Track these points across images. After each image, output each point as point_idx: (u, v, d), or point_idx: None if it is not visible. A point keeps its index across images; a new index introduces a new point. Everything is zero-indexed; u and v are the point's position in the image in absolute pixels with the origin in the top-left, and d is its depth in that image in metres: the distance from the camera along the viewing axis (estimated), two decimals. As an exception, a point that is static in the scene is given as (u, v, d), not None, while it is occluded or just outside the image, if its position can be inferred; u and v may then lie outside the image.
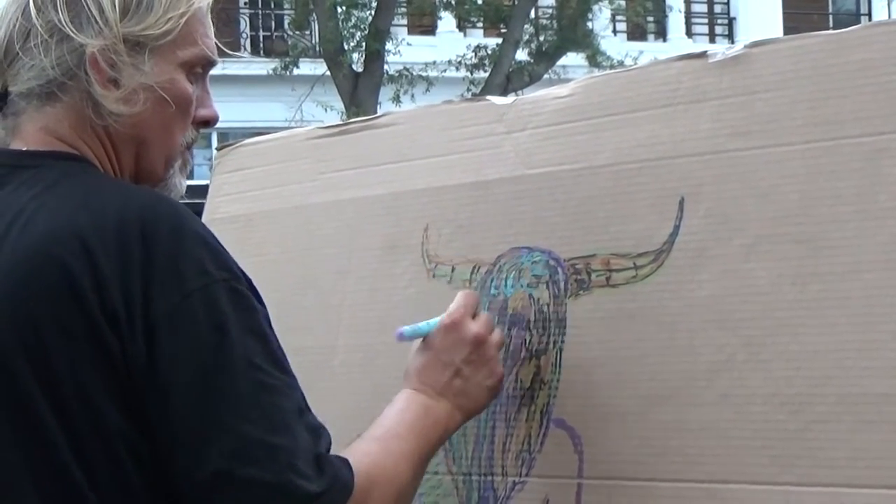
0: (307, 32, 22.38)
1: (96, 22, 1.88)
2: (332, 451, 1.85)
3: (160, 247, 1.77)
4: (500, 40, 20.72)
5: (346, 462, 1.84)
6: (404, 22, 23.42)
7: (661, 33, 27.35)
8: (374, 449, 1.92)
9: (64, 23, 1.87)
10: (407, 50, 20.41)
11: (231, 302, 1.79)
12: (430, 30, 24.91)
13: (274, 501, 1.75)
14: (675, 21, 26.82)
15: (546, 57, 20.45)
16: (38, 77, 1.89)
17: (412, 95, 19.38)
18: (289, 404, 1.80)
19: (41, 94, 1.90)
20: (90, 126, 1.91)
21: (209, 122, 2.02)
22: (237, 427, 1.75)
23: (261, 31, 25.26)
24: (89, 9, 1.88)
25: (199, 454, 1.74)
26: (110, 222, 1.78)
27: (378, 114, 2.71)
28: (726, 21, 27.84)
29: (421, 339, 2.12)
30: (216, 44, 2.01)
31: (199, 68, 1.97)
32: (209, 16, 1.99)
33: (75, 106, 1.90)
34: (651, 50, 21.60)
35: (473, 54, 20.86)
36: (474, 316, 2.12)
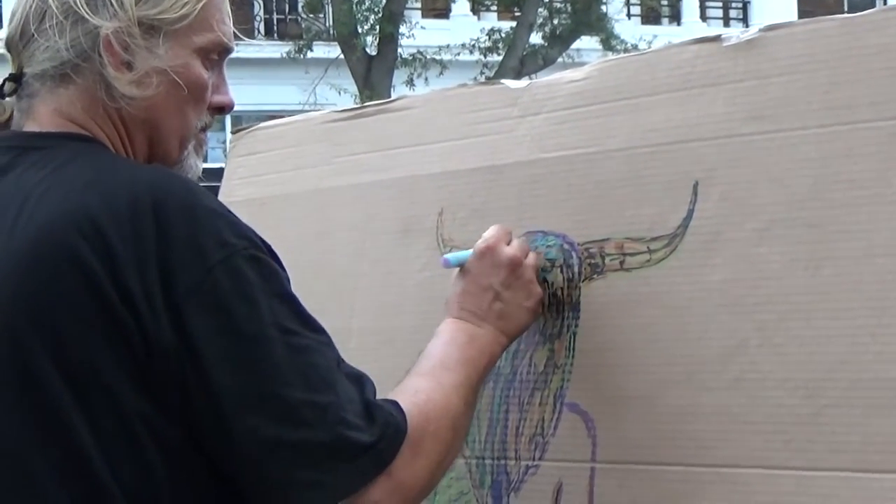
0: (321, 15, 22.38)
1: (112, 4, 1.89)
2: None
3: (175, 224, 1.77)
4: (514, 24, 20.70)
5: (395, 405, 1.86)
6: (418, 5, 23.42)
7: (676, 17, 27.29)
8: (423, 385, 1.94)
9: (79, 5, 1.89)
10: (421, 33, 20.39)
11: (254, 270, 1.80)
12: (443, 13, 24.88)
13: (329, 459, 1.77)
14: (690, 5, 26.77)
15: (560, 40, 20.41)
16: (53, 59, 1.90)
17: (426, 79, 19.38)
18: (326, 361, 1.82)
19: (55, 76, 1.91)
20: (103, 108, 1.92)
21: (224, 108, 2.03)
22: (280, 393, 1.76)
23: (275, 13, 25.25)
24: None
25: (245, 425, 1.76)
26: (121, 202, 1.78)
27: (392, 97, 2.71)
28: (741, 5, 27.78)
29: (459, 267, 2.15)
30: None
31: (214, 55, 1.98)
32: (227, 2, 2.00)
33: (88, 88, 1.91)
34: (665, 34, 21.55)
35: (487, 38, 20.84)
36: (509, 243, 2.15)
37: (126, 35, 1.89)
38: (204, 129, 2.02)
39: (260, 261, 1.82)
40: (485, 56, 20.57)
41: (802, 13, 24.58)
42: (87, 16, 1.88)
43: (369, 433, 1.79)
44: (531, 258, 2.16)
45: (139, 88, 1.90)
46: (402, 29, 19.72)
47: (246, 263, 1.79)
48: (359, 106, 2.71)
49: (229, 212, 1.84)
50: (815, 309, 1.94)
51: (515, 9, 21.20)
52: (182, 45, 1.93)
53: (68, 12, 1.89)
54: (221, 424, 1.76)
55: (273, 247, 1.90)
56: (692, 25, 25.33)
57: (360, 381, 1.85)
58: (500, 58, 20.10)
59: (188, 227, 1.77)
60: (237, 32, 2.04)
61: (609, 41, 20.36)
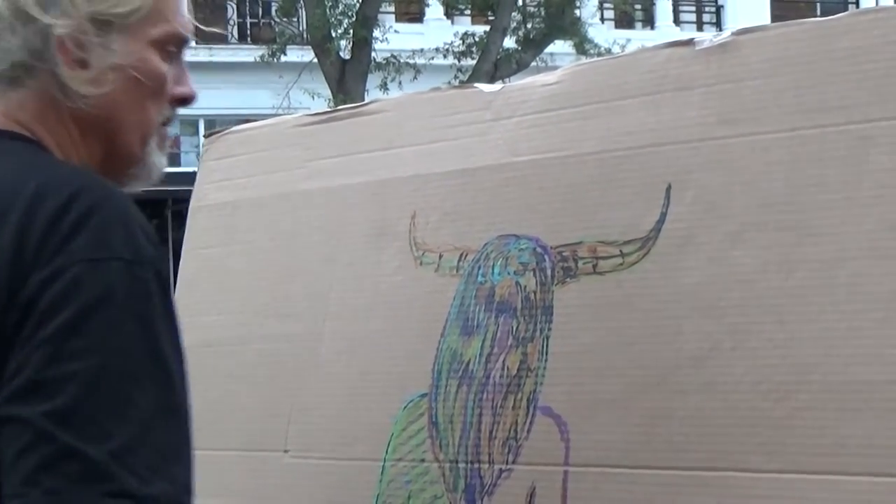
0: (294, 19, 22.33)
1: (61, 2, 1.83)
2: (316, 438, 1.77)
3: (68, 217, 1.68)
4: (487, 28, 20.70)
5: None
6: (392, 9, 23.39)
7: (649, 21, 27.34)
8: None
9: (29, 4, 1.83)
10: (394, 37, 20.38)
11: (124, 282, 1.66)
12: (417, 17, 24.88)
13: (82, 478, 1.60)
14: (663, 9, 26.81)
15: (533, 44, 20.42)
16: (4, 60, 1.86)
17: (399, 83, 19.36)
18: (146, 400, 1.65)
19: (6, 79, 1.87)
20: (55, 111, 1.86)
21: (186, 99, 1.95)
22: (65, 390, 1.62)
23: (248, 17, 25.20)
24: None
25: (23, 409, 1.61)
26: (26, 195, 1.71)
27: (366, 101, 2.71)
28: (714, 9, 27.84)
29: None
30: (200, 27, 1.98)
31: (172, 46, 1.92)
32: None
33: (41, 90, 1.86)
34: (639, 38, 21.58)
35: (461, 42, 20.84)
36: None
37: (79, 32, 1.83)
38: (165, 124, 1.97)
39: (137, 278, 1.68)
40: (458, 60, 20.56)
41: (775, 17, 24.65)
42: (36, 15, 1.83)
43: (143, 485, 1.61)
44: None
45: (95, 86, 1.85)
46: (376, 33, 19.69)
47: (117, 274, 1.67)
48: (332, 109, 2.71)
49: (142, 227, 1.74)
50: (787, 312, 1.94)
51: (489, 13, 21.20)
52: (137, 39, 1.87)
53: (18, 13, 1.84)
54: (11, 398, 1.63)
55: (246, 250, 1.86)
56: (666, 29, 25.37)
57: (178, 452, 1.69)
58: (474, 62, 20.09)
59: (78, 221, 1.68)
60: (206, 31, 2.01)
61: (582, 45, 20.37)
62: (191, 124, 22.10)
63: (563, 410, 2.14)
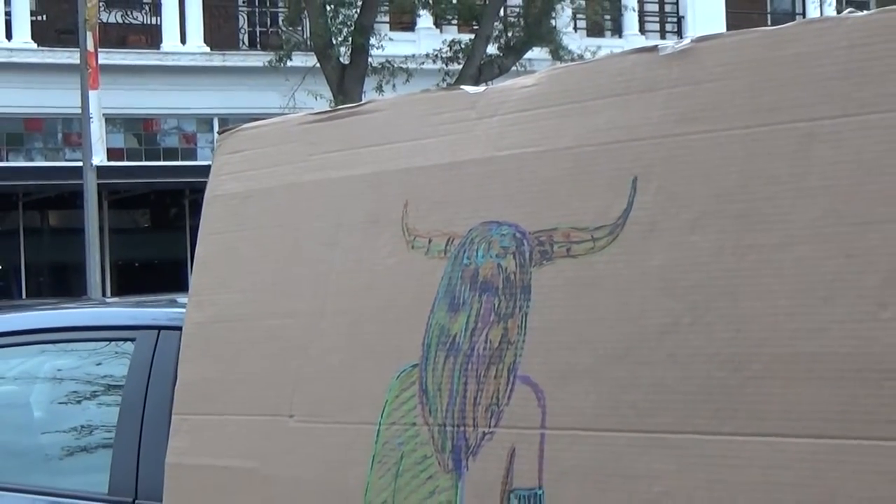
0: (299, 28, 22.28)
1: None
2: (318, 404, 1.77)
3: None
4: (472, 36, 20.66)
5: None
6: (387, 19, 23.33)
7: (618, 30, 27.28)
8: None
9: None
10: (389, 44, 20.32)
11: None
12: (409, 26, 24.81)
13: None
14: (630, 19, 26.76)
15: (514, 51, 20.39)
16: None
17: (393, 85, 19.33)
18: None
19: None
20: None
21: None
22: None
23: (257, 26, 25.13)
24: None
25: None
26: None
27: (363, 101, 2.70)
28: (676, 19, 27.81)
29: None
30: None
31: None
32: None
33: None
34: (608, 45, 21.56)
35: (449, 48, 20.80)
36: None
37: None
38: None
39: None
40: (446, 65, 20.53)
41: (731, 27, 24.62)
42: None
43: None
44: None
45: None
46: (373, 41, 19.64)
47: None
48: (332, 109, 2.70)
49: None
50: (740, 291, 1.94)
51: (474, 23, 21.16)
52: None
53: None
54: None
55: (255, 235, 1.87)
56: (632, 38, 25.33)
57: None
58: (460, 66, 20.06)
59: None
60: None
61: (558, 51, 20.32)
62: (206, 122, 22.05)
63: (540, 379, 2.14)
